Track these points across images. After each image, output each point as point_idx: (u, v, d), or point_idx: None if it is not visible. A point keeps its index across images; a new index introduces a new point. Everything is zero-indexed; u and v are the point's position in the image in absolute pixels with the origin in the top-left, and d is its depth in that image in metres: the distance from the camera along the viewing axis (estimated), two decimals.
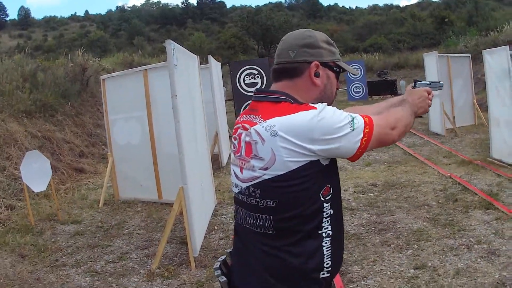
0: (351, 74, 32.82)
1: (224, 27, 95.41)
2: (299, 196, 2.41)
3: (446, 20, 67.71)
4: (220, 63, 16.42)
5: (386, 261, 6.69)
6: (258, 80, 19.38)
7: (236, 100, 18.77)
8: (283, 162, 2.35)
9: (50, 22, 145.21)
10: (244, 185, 2.53)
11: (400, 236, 7.56)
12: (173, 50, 7.15)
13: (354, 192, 10.24)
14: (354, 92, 33.90)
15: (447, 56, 17.79)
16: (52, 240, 9.07)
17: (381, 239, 7.49)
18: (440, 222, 8.04)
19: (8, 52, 46.86)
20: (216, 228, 8.84)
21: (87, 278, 7.20)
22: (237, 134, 2.59)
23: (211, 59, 12.41)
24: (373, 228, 7.96)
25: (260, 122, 2.45)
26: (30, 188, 9.96)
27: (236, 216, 2.68)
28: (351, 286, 6.03)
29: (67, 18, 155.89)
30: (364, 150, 2.48)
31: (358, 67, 32.62)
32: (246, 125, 2.52)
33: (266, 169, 2.40)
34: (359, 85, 33.89)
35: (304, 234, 2.45)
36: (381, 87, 35.39)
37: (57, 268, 7.63)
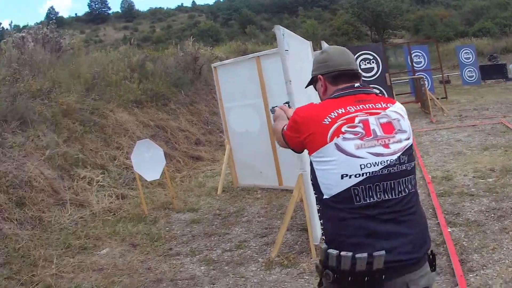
0: (463, 59, 32.20)
1: (336, 14, 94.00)
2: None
3: None
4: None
5: (505, 249, 6.51)
6: (374, 65, 19.37)
7: None
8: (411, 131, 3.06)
9: (157, 14, 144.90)
10: (394, 157, 2.85)
11: None
12: (283, 35, 7.02)
13: (474, 177, 10.06)
14: (468, 76, 32.82)
15: None
16: (167, 228, 8.97)
17: (500, 226, 7.33)
18: None
19: (114, 44, 46.68)
20: None
21: (202, 267, 7.04)
22: (359, 121, 2.89)
23: (324, 44, 12.44)
24: (492, 215, 7.81)
25: (389, 106, 3.03)
26: (143, 177, 9.95)
27: (367, 196, 2.81)
28: (471, 275, 5.87)
29: (174, 9, 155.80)
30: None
31: (469, 51, 32.12)
32: (375, 111, 2.96)
33: (408, 138, 2.96)
34: (472, 69, 32.70)
35: None
36: (492, 71, 34.24)
37: (171, 257, 7.53)
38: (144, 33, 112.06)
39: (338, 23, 79.59)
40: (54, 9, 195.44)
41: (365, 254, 2.66)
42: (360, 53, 19.61)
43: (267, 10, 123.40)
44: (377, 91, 3.24)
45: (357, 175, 2.80)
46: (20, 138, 10.35)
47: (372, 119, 2.92)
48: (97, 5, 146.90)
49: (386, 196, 2.83)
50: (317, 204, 3.09)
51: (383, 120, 2.95)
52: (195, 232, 8.63)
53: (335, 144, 2.84)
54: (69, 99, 12.43)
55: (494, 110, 19.55)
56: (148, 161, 9.68)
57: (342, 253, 2.70)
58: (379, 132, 2.90)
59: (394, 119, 2.98)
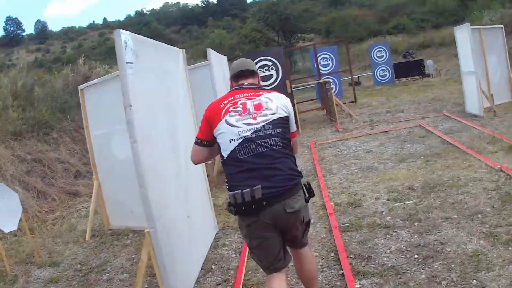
0: (375, 58, 31.35)
1: (246, 22, 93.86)
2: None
3: None
4: (226, 57, 14.55)
5: None
6: (273, 72, 17.66)
7: None
8: (285, 111, 4.61)
9: (69, 33, 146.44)
10: (259, 125, 4.40)
11: (453, 265, 5.50)
12: (125, 43, 5.10)
13: (388, 200, 8.19)
14: (380, 76, 32.13)
15: (479, 28, 15.59)
16: None
17: (428, 273, 5.45)
18: (500, 238, 5.94)
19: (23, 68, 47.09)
20: (213, 267, 6.86)
21: None
22: (240, 104, 4.54)
23: (211, 53, 10.51)
24: (415, 256, 5.90)
25: (263, 94, 4.67)
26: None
27: (244, 152, 4.35)
28: None
29: (86, 27, 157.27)
30: None
31: (382, 49, 31.24)
32: (252, 97, 4.60)
33: (273, 114, 4.50)
34: (385, 68, 32.06)
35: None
36: (408, 69, 33.77)
37: None
38: (55, 54, 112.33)
39: (246, 30, 79.15)
40: None
41: (248, 189, 4.20)
42: (258, 59, 17.72)
43: (177, 22, 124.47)
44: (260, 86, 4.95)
45: (238, 139, 4.37)
46: None
47: (249, 102, 4.56)
48: (12, 28, 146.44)
49: (258, 150, 4.34)
50: (222, 165, 4.57)
51: (256, 102, 4.55)
52: None
53: (225, 120, 4.46)
54: None
55: (411, 111, 17.93)
56: (2, 209, 8.15)
57: (236, 192, 4.24)
58: (252, 110, 4.50)
59: (264, 101, 4.56)
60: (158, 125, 5.89)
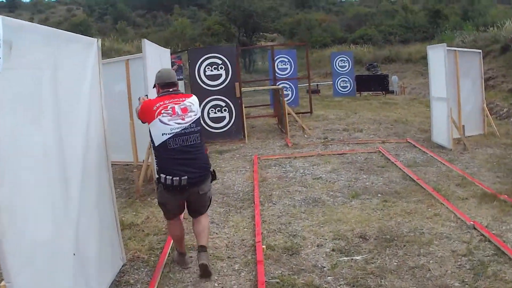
0: (337, 67, 30.11)
1: (212, 14, 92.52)
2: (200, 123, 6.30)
3: (439, 13, 65.09)
4: (169, 50, 12.95)
5: None
6: (222, 71, 16.04)
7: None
8: (200, 111, 6.31)
9: (37, 5, 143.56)
10: (186, 124, 5.95)
11: None
12: None
13: (333, 251, 6.70)
14: (341, 87, 30.61)
15: (455, 50, 14.27)
16: None
17: None
18: None
19: None
20: None
21: None
22: (169, 108, 5.94)
23: (146, 44, 9.00)
24: None
25: (186, 99, 6.13)
26: None
27: (174, 144, 5.89)
28: None
29: (54, 1, 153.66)
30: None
31: (345, 59, 29.95)
32: (178, 102, 6.03)
33: (196, 115, 6.11)
34: (347, 79, 30.56)
35: None
36: (371, 82, 32.66)
37: None
38: None
39: (210, 22, 77.83)
40: None
41: (177, 178, 5.81)
42: (206, 56, 16.10)
43: (144, 6, 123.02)
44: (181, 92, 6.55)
45: (169, 134, 5.87)
46: None
47: (176, 106, 5.99)
48: None
49: (184, 143, 5.94)
50: (153, 150, 6.20)
51: (182, 106, 6.03)
52: None
53: (159, 119, 5.87)
54: None
55: (370, 132, 16.49)
56: None
57: (167, 176, 5.85)
58: (180, 112, 5.97)
59: (188, 105, 6.08)
60: (26, 145, 4.26)
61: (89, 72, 6.07)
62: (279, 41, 69.91)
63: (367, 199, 8.92)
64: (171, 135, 5.88)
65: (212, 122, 16.29)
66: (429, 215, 7.96)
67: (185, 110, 6.04)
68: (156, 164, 6.15)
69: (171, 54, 13.27)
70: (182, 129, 5.94)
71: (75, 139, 5.34)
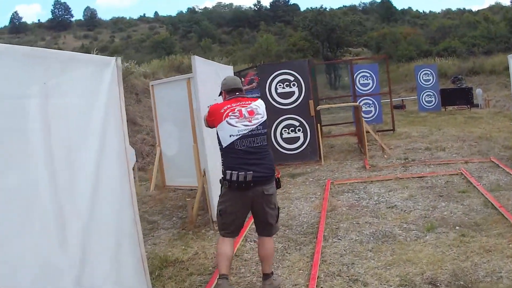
0: (421, 81, 29.15)
1: (298, 30, 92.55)
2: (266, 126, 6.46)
3: None
4: (231, 67, 12.40)
5: None
6: (295, 88, 15.48)
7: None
8: (266, 114, 6.43)
9: (118, 23, 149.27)
10: (254, 126, 6.12)
11: None
12: None
13: None
14: (426, 101, 29.71)
15: None
16: None
17: None
18: None
19: None
20: None
21: None
22: (236, 110, 6.18)
23: (196, 60, 8.48)
24: None
25: (252, 103, 6.35)
26: None
27: (241, 145, 6.06)
28: None
29: (136, 19, 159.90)
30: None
31: (429, 72, 29.10)
32: (245, 105, 6.26)
33: (262, 117, 6.27)
34: (431, 94, 29.60)
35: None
36: (455, 96, 31.30)
37: None
38: (103, 42, 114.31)
39: (295, 38, 77.86)
40: (18, 14, 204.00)
41: (243, 172, 5.94)
42: (277, 72, 15.57)
43: (229, 23, 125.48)
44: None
45: (236, 135, 6.08)
46: None
47: (243, 109, 6.21)
48: (60, 12, 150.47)
49: (251, 145, 6.10)
50: (220, 150, 6.32)
51: (249, 109, 6.23)
52: None
53: (226, 121, 6.12)
54: None
55: (453, 150, 15.38)
56: None
57: (233, 172, 5.98)
58: (247, 114, 6.17)
59: (255, 108, 6.27)
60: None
61: (103, 98, 5.16)
62: (365, 55, 68.93)
63: (444, 232, 7.88)
64: (238, 136, 6.10)
65: (286, 143, 15.62)
66: (509, 253, 6.79)
67: (251, 112, 6.26)
68: (222, 164, 6.28)
69: (249, 71, 12.90)
70: (249, 131, 6.14)
71: (78, 185, 4.70)
